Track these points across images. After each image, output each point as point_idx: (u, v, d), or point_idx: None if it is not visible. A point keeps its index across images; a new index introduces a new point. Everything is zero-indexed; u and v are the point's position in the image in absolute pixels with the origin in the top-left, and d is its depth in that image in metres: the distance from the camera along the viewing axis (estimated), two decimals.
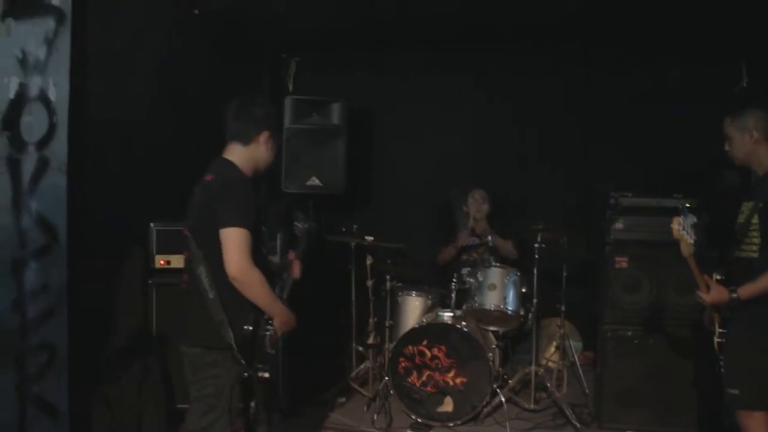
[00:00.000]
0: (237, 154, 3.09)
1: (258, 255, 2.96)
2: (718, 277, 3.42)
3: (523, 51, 6.13)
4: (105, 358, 4.11)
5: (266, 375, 2.98)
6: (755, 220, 3.32)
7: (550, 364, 5.51)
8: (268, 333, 3.00)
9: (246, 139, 3.08)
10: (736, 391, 3.29)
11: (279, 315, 3.03)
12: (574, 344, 5.57)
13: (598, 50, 5.99)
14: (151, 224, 4.48)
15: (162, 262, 4.47)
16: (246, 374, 2.93)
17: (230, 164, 3.06)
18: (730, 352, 3.39)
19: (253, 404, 3.07)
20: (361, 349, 5.39)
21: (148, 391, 4.11)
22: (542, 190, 6.14)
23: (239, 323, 2.89)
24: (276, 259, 3.69)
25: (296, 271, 3.41)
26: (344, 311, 5.39)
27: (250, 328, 2.91)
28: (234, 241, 2.84)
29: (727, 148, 3.52)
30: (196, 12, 5.08)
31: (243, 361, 2.90)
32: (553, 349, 5.58)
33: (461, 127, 6.34)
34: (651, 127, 5.92)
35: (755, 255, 3.33)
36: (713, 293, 3.33)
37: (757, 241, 3.32)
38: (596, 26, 5.51)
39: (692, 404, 4.53)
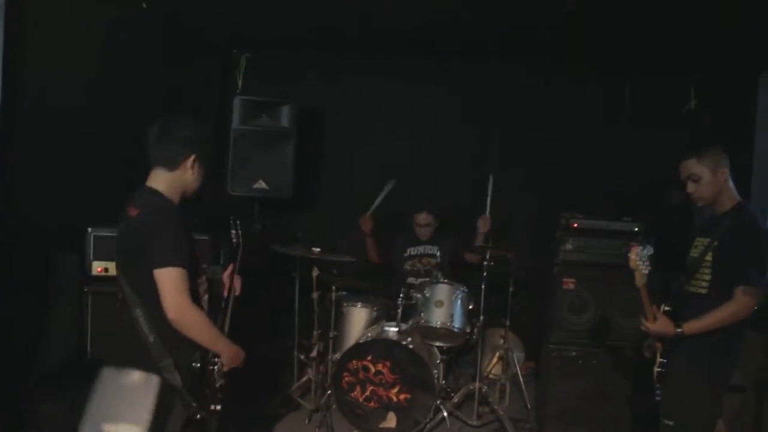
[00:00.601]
0: (162, 180, 2.85)
1: (194, 292, 2.82)
2: (666, 308, 3.43)
3: (479, 64, 6.05)
4: (35, 373, 3.90)
5: (218, 408, 2.89)
6: (709, 257, 3.33)
7: (491, 375, 5.52)
8: (214, 368, 2.88)
9: (172, 165, 2.85)
10: (671, 423, 3.33)
11: (225, 352, 2.90)
12: (517, 355, 5.58)
13: (555, 68, 5.94)
14: (89, 229, 4.26)
15: (99, 269, 4.27)
16: (199, 415, 2.81)
17: (156, 194, 2.83)
18: (669, 384, 3.41)
19: None
20: (303, 357, 5.28)
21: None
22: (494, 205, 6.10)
23: (185, 363, 2.76)
24: (219, 270, 3.53)
25: (238, 287, 3.27)
26: (287, 319, 5.26)
27: (198, 365, 2.79)
28: (170, 283, 2.66)
29: (692, 189, 3.42)
30: (145, 5, 4.86)
31: (194, 403, 2.78)
32: (495, 359, 5.60)
33: (413, 135, 6.25)
34: (601, 147, 5.95)
35: (704, 291, 3.34)
36: (659, 325, 3.33)
37: (707, 278, 3.33)
38: (552, 44, 5.46)
39: (631, 424, 4.58)
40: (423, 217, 5.57)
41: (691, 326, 3.26)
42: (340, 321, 5.11)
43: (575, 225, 4.74)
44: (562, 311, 4.72)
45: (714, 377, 3.31)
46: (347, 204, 6.06)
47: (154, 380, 2.72)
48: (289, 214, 5.94)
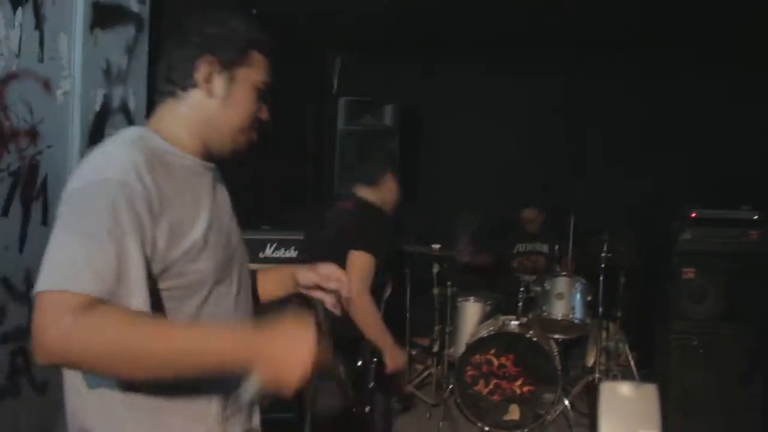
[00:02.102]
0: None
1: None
2: None
3: (580, 57, 6.06)
4: None
5: (367, 410, 2.94)
6: None
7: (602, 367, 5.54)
8: (372, 365, 2.98)
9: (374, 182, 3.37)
10: None
11: (389, 350, 3.02)
12: (622, 346, 5.59)
13: (659, 56, 5.93)
14: None
15: None
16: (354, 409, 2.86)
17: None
18: None
19: None
20: (414, 352, 5.37)
21: None
22: (594, 197, 6.10)
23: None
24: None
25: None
26: (401, 317, 5.35)
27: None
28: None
29: None
30: (254, 11, 4.95)
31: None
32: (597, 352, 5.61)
33: (515, 130, 6.28)
34: (712, 135, 5.91)
35: None
36: None
37: None
38: (656, 32, 5.46)
39: (751, 413, 4.60)
40: (528, 213, 5.62)
41: None
42: (454, 316, 5.18)
43: (694, 215, 4.76)
44: (683, 301, 4.74)
45: None
46: (450, 201, 6.14)
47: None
48: (396, 214, 5.99)
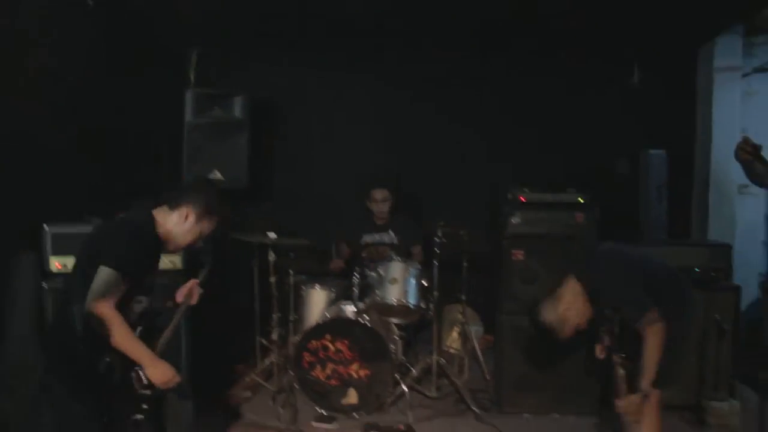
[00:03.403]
0: (162, 215, 3.15)
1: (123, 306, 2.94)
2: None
3: (432, 47, 6.12)
4: None
5: (138, 417, 2.92)
6: None
7: (452, 350, 5.68)
8: (135, 373, 2.93)
9: (172, 205, 3.15)
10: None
11: (147, 364, 2.93)
12: (475, 328, 5.75)
13: (502, 46, 6.06)
14: (45, 226, 4.31)
15: (58, 265, 4.32)
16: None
17: (148, 216, 3.12)
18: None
19: None
20: (264, 342, 5.41)
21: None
22: (446, 187, 6.28)
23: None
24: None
25: (195, 297, 3.41)
26: (248, 306, 5.39)
27: (105, 363, 2.86)
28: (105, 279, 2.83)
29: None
30: (90, 3, 4.91)
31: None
32: (455, 334, 5.75)
33: (367, 122, 6.36)
34: (549, 123, 6.13)
35: None
36: (627, 404, 3.49)
37: None
38: (497, 26, 5.61)
39: (583, 386, 4.78)
40: (380, 193, 5.71)
41: (646, 381, 3.43)
42: (299, 304, 5.24)
43: (522, 198, 4.90)
44: (513, 282, 4.88)
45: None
46: (303, 192, 6.19)
47: None
48: (246, 205, 6.02)
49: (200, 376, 4.84)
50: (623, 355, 3.54)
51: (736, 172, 4.65)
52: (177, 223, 3.11)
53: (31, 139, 4.28)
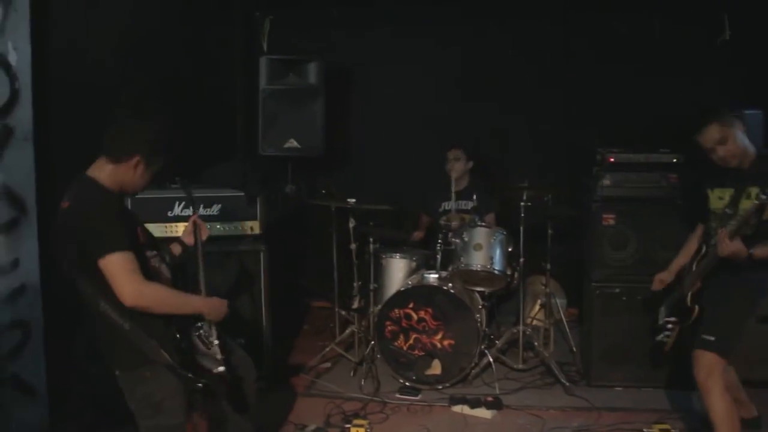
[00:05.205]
0: (104, 171, 2.81)
1: (145, 268, 2.75)
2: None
3: (504, 11, 5.94)
4: (82, 334, 3.96)
5: (221, 369, 2.83)
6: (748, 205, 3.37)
7: (535, 322, 5.48)
8: (200, 332, 2.86)
9: (116, 159, 2.80)
10: (713, 338, 3.45)
11: (202, 309, 2.87)
12: (560, 301, 5.53)
13: (578, 5, 5.82)
14: None
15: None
16: (200, 384, 2.75)
17: (90, 183, 2.78)
18: (709, 310, 3.60)
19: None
20: (344, 313, 5.31)
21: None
22: (527, 149, 6.08)
23: (169, 339, 2.73)
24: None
25: (204, 231, 3.23)
26: (328, 275, 5.29)
27: (179, 336, 2.76)
28: (115, 269, 2.61)
29: (723, 152, 3.51)
30: None
31: (189, 375, 2.72)
32: (538, 307, 5.56)
33: (442, 87, 6.19)
34: (634, 82, 5.83)
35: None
36: (734, 246, 3.36)
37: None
38: None
39: (677, 359, 4.49)
40: (452, 153, 5.52)
41: (763, 250, 3.35)
42: (380, 273, 5.11)
43: (612, 159, 4.65)
44: (603, 248, 4.64)
45: (745, 305, 3.56)
46: (380, 159, 6.05)
47: None
48: (323, 173, 5.92)
49: (280, 346, 4.82)
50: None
51: None
52: (125, 174, 2.81)
53: (109, 104, 4.24)
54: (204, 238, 3.21)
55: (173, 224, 4.29)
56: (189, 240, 3.24)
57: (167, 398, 2.81)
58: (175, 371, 2.70)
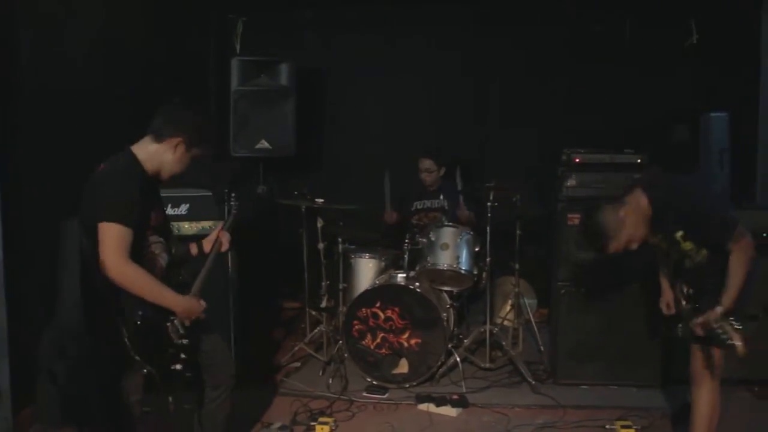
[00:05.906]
0: (144, 148, 2.95)
1: (137, 252, 2.80)
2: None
3: (478, 9, 6.00)
4: (48, 334, 3.96)
5: (177, 368, 2.87)
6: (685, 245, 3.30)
7: (505, 322, 5.53)
8: (171, 324, 2.89)
9: (158, 137, 2.95)
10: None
11: (175, 306, 2.89)
12: (529, 302, 5.59)
13: (552, 7, 5.89)
14: None
15: None
16: (145, 370, 2.79)
17: (129, 155, 2.91)
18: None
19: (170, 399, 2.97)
20: (314, 313, 5.34)
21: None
22: (497, 150, 6.13)
23: (131, 317, 2.77)
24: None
25: (225, 244, 3.33)
26: (297, 275, 5.31)
27: (139, 321, 2.77)
28: (109, 237, 2.68)
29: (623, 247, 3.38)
30: None
31: (137, 357, 2.76)
32: (508, 307, 5.60)
33: (414, 87, 6.24)
34: (604, 85, 5.91)
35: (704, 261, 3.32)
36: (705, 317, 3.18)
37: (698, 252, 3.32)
38: None
39: (644, 357, 4.58)
40: (426, 163, 5.56)
41: (727, 297, 3.14)
42: (348, 273, 5.14)
43: (577, 160, 4.71)
44: (569, 247, 4.69)
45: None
46: (351, 160, 6.08)
47: None
48: (294, 174, 5.95)
49: (248, 345, 4.83)
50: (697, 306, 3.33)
51: None
52: (165, 153, 2.94)
53: (84, 104, 4.27)
54: (223, 249, 3.33)
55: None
56: (208, 247, 3.33)
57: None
58: (126, 349, 2.74)
